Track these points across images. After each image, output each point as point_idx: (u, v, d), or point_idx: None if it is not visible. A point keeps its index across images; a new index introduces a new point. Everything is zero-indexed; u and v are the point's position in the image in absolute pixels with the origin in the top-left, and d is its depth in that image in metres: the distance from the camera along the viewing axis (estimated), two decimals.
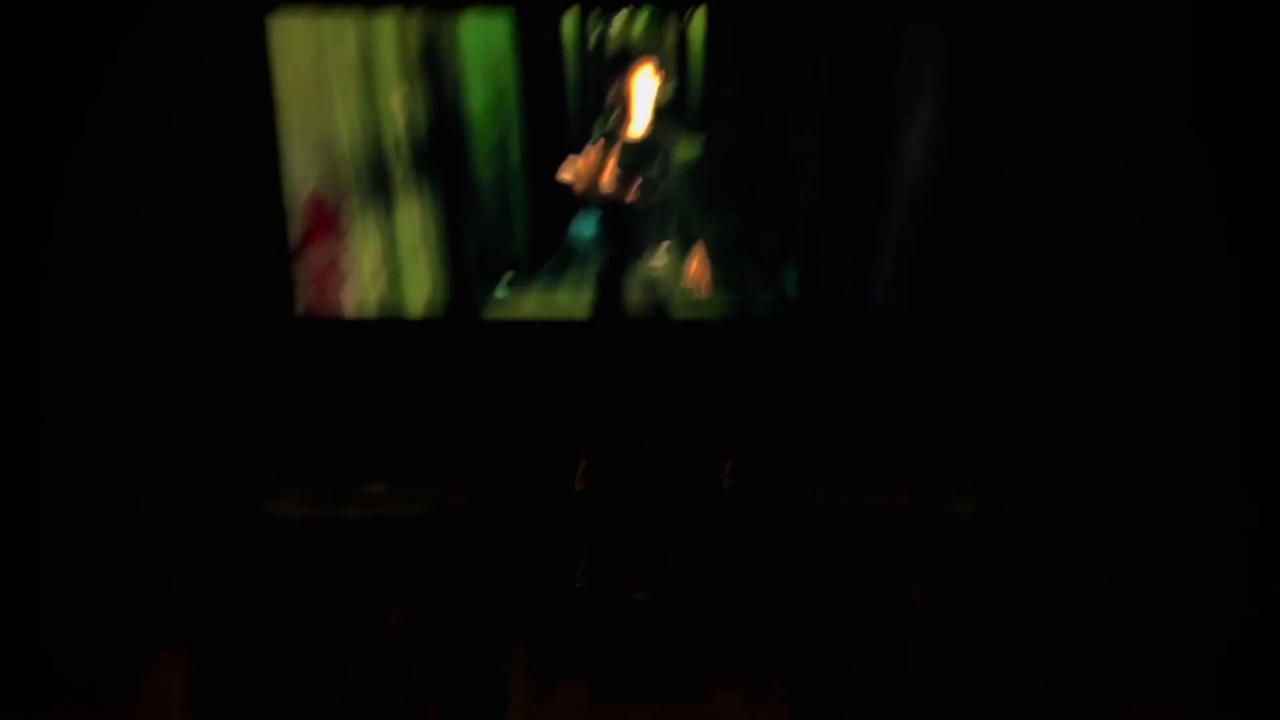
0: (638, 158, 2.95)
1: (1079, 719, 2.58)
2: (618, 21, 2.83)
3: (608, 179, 2.88)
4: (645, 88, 2.94)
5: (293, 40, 2.68)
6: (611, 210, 2.97)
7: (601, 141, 2.92)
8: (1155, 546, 2.77)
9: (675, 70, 2.87)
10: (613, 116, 2.94)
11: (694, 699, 2.71)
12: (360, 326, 2.81)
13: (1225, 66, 2.65)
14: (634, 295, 2.94)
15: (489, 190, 2.90)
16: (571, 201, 2.90)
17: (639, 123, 2.96)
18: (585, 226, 2.95)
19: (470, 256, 2.91)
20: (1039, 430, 2.78)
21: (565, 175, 2.91)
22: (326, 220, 2.79)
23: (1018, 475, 2.64)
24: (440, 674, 2.30)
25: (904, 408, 2.83)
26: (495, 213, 2.91)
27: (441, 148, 2.85)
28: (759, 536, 2.72)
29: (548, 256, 2.94)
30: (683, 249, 2.96)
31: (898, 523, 2.33)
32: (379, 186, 2.83)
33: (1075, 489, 2.71)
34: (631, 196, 2.92)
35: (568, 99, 2.86)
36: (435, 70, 2.81)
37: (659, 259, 2.96)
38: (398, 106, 2.80)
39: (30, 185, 2.60)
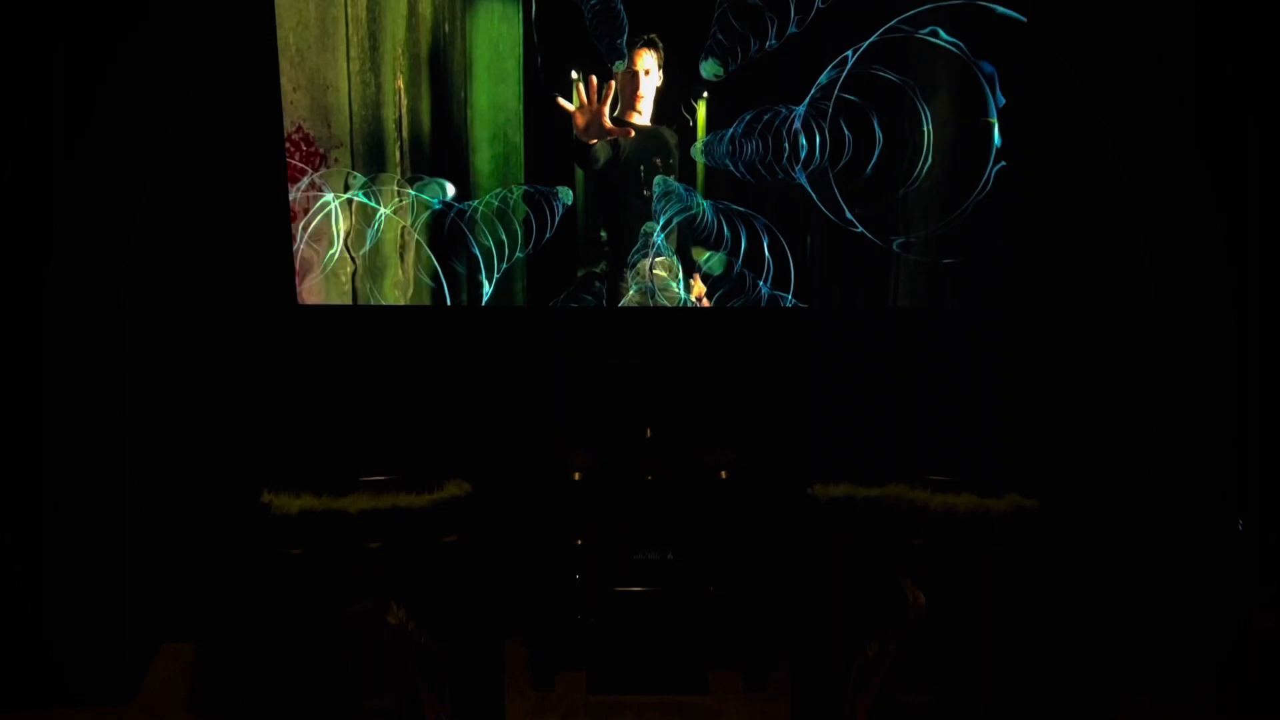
0: (641, 147, 2.86)
1: (1079, 718, 2.59)
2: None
3: (608, 119, 2.74)
4: (647, 77, 2.83)
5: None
6: (612, 161, 2.84)
7: (597, 81, 2.76)
8: (1155, 547, 2.77)
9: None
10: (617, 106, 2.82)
11: (693, 691, 2.72)
12: (358, 317, 2.81)
13: (1227, 73, 2.65)
14: (634, 291, 2.87)
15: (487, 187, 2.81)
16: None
17: (641, 111, 2.86)
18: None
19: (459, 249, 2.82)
20: (1038, 427, 2.78)
21: (566, 104, 2.76)
22: (312, 156, 2.74)
23: (1017, 473, 2.64)
24: (439, 667, 2.31)
25: (903, 403, 2.83)
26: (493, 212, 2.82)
27: (443, 140, 2.78)
28: (756, 530, 2.73)
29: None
30: (683, 262, 2.89)
31: (896, 518, 2.33)
32: (372, 159, 2.75)
33: (1075, 487, 2.71)
34: (631, 133, 2.74)
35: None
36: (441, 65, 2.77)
37: (660, 270, 2.88)
38: (402, 87, 2.75)
39: (29, 179, 2.60)
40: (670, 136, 2.87)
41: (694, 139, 2.85)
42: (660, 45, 2.83)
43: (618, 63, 2.80)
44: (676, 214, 2.85)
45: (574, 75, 2.78)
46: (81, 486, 2.66)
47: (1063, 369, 2.78)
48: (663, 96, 2.83)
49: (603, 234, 2.91)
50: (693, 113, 2.85)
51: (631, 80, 2.83)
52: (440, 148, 2.81)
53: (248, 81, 2.66)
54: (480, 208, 2.82)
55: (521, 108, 2.81)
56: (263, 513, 2.22)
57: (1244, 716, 2.60)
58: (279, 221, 2.72)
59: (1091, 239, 2.73)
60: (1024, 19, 2.62)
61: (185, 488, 2.76)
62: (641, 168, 2.88)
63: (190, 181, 2.69)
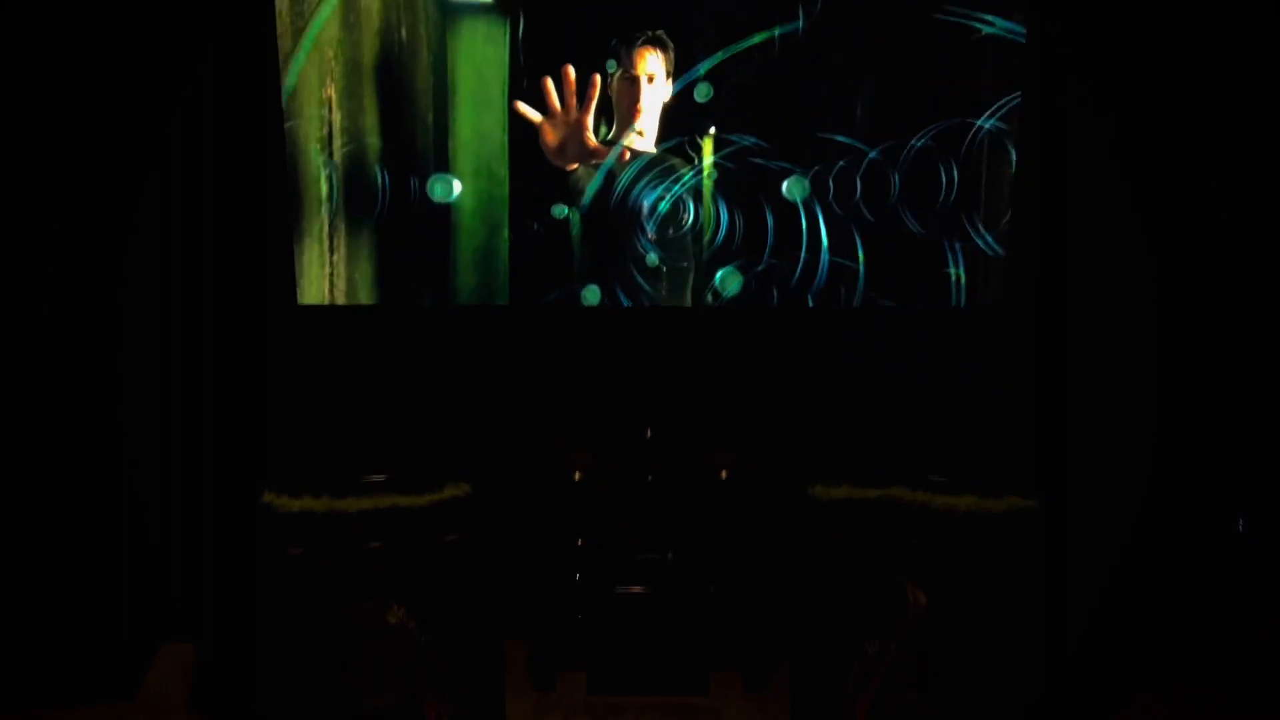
0: (641, 174, 2.37)
1: (1079, 718, 2.59)
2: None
3: (591, 135, 2.08)
4: (650, 85, 2.27)
5: None
6: (603, 194, 2.29)
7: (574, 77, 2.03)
8: (1155, 546, 2.77)
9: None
10: (614, 124, 2.30)
11: (693, 692, 2.72)
12: (358, 317, 2.81)
13: (1229, 63, 2.65)
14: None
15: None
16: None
17: (643, 130, 2.33)
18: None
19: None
20: (1039, 427, 2.78)
21: (529, 113, 2.10)
22: None
23: (1017, 473, 2.64)
24: (439, 667, 2.31)
25: (903, 404, 2.83)
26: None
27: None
28: (757, 530, 2.73)
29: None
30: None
31: (897, 519, 2.33)
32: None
33: (1075, 488, 2.71)
34: (625, 156, 2.10)
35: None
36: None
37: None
38: (332, 97, 2.30)
39: (29, 179, 2.60)
40: (680, 164, 2.33)
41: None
42: (670, 46, 2.27)
43: (610, 62, 2.24)
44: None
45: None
46: (81, 486, 2.66)
47: (1063, 368, 2.78)
48: (671, 112, 2.34)
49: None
50: (699, 150, 2.34)
51: (630, 88, 2.27)
52: (399, 176, 2.45)
53: (248, 82, 2.65)
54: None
55: (507, 138, 2.39)
56: (263, 513, 2.23)
57: (1244, 717, 2.60)
58: (278, 221, 2.72)
59: (1093, 237, 2.73)
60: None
61: (185, 488, 2.76)
62: (645, 204, 2.35)
63: (190, 181, 2.69)
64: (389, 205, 2.56)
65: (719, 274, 2.54)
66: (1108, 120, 2.69)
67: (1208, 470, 2.76)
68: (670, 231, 2.41)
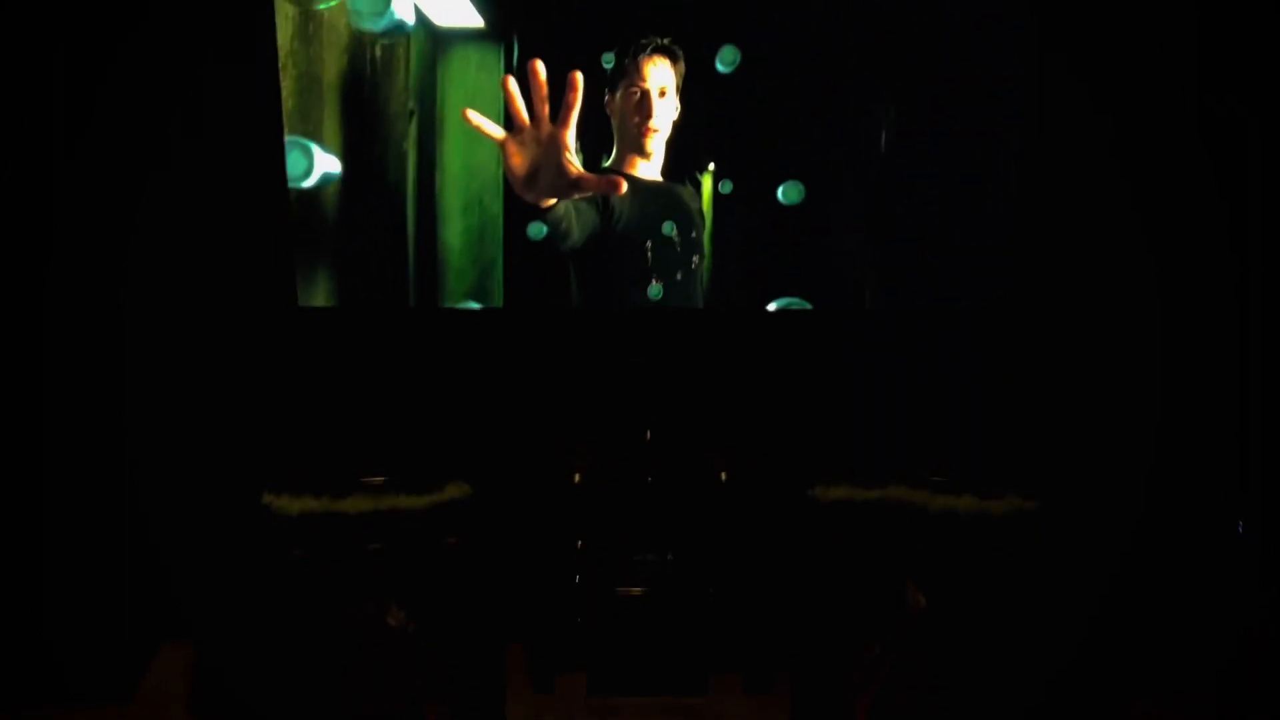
0: (646, 211, 2.03)
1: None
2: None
3: (571, 156, 1.53)
4: (662, 99, 1.98)
5: None
6: (598, 234, 1.88)
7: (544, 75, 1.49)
8: (1155, 548, 2.77)
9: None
10: (614, 151, 2.05)
11: (693, 693, 2.72)
12: (358, 318, 2.81)
13: (1228, 65, 2.65)
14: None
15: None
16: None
17: (651, 154, 2.04)
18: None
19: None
20: (1040, 427, 2.78)
21: (488, 128, 1.55)
22: None
23: (1018, 472, 2.63)
24: (439, 669, 2.30)
25: (903, 404, 2.83)
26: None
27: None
28: (757, 532, 2.73)
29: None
30: None
31: (897, 519, 2.33)
32: None
33: (1075, 488, 2.71)
34: (621, 186, 1.55)
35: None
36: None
37: None
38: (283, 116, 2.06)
39: (29, 179, 2.60)
40: (691, 197, 2.01)
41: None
42: (680, 56, 2.01)
43: (607, 56, 1.90)
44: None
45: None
46: (81, 486, 2.66)
47: (1063, 368, 2.78)
48: (680, 134, 2.04)
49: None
50: (699, 186, 2.06)
51: (640, 105, 1.96)
52: (366, 205, 2.29)
53: (248, 82, 2.65)
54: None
55: (502, 172, 2.15)
56: (263, 514, 2.23)
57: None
58: (278, 221, 2.72)
59: (1093, 236, 2.73)
60: None
61: (185, 488, 2.76)
62: (648, 245, 1.96)
63: (190, 181, 2.69)
64: (361, 232, 2.42)
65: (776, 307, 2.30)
66: (1108, 119, 2.69)
67: (1208, 473, 2.76)
68: (678, 276, 2.16)
